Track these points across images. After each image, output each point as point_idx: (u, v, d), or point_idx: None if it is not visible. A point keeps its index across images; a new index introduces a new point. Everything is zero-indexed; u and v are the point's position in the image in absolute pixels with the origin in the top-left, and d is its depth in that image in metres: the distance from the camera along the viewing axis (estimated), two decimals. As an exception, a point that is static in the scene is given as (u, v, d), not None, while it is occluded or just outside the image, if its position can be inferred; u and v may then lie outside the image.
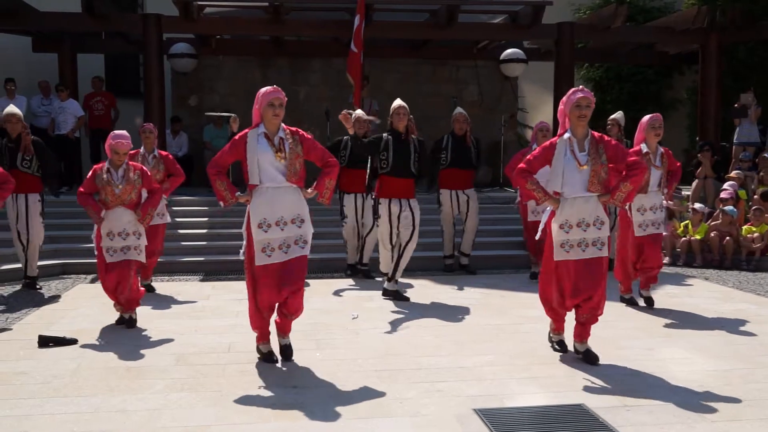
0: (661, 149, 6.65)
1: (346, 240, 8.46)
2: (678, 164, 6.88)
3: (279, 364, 4.92)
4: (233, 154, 4.83)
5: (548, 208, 5.00)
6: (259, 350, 5.04)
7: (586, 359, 4.95)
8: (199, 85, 13.42)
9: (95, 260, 6.08)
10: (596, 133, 4.94)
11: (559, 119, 5.02)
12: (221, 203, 4.89)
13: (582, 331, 5.03)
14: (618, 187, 4.84)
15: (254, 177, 4.76)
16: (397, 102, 6.98)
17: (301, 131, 4.91)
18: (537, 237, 5.18)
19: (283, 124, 4.84)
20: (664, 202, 6.73)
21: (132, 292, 5.99)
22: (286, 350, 5.03)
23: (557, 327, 5.27)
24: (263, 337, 5.01)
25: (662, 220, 6.71)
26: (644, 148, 6.50)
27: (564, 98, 4.93)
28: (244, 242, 4.84)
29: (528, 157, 5.04)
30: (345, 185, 8.06)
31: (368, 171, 7.23)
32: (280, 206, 4.78)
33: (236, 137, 4.85)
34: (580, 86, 5.03)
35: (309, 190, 4.92)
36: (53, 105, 11.89)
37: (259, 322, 4.94)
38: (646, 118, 6.56)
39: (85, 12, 11.03)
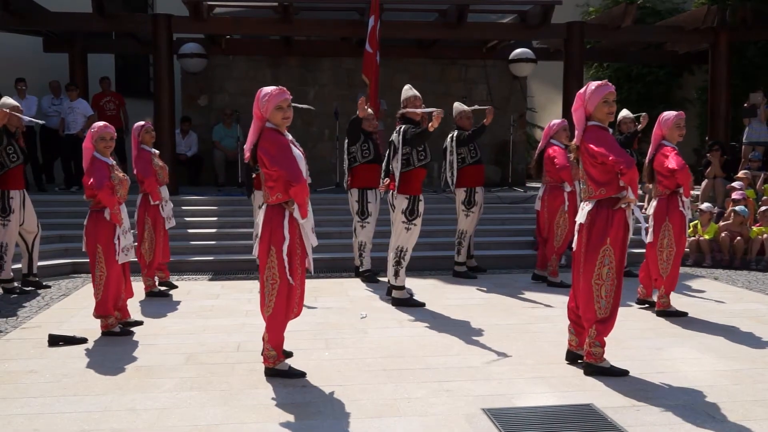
0: None
1: (365, 242, 7.84)
2: None
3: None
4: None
5: (586, 210, 4.62)
6: (278, 371, 4.60)
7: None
8: (209, 84, 13.46)
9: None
10: None
11: (576, 116, 4.62)
12: (304, 218, 4.41)
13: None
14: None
15: None
16: (414, 92, 6.58)
17: None
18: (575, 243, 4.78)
19: None
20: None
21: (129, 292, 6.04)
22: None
23: None
24: (282, 354, 4.66)
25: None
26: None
27: (583, 93, 4.59)
28: (286, 244, 4.34)
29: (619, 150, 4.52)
30: (372, 181, 7.43)
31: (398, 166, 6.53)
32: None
33: (283, 142, 4.33)
34: (604, 80, 4.69)
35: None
36: (63, 105, 11.95)
37: (282, 334, 4.58)
38: (671, 115, 6.22)
39: (95, 12, 11.08)
